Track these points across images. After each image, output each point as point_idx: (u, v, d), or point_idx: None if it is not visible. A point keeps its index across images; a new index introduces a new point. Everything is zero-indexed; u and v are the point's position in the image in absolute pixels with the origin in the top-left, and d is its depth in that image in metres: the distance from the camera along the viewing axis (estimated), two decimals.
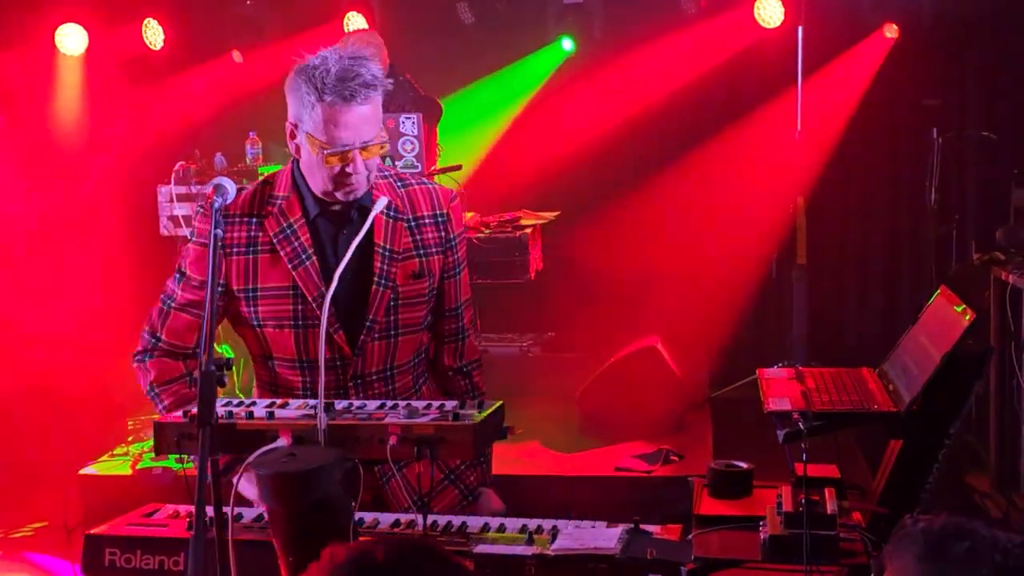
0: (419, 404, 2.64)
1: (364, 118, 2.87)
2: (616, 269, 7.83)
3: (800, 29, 7.67)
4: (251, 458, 2.41)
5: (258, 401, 2.77)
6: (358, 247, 2.87)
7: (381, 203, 2.95)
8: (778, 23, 7.54)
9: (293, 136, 2.96)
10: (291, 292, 2.97)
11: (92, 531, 2.77)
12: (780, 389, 3.11)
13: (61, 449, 6.55)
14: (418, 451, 2.48)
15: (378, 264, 3.00)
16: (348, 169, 2.89)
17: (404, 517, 2.77)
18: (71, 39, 7.88)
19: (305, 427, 2.54)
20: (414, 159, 6.04)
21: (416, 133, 6.01)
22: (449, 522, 2.75)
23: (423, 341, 3.16)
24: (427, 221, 3.09)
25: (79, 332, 7.46)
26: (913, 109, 7.61)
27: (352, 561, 1.66)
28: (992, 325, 5.96)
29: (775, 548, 2.77)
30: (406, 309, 3.06)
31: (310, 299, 2.96)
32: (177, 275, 3.06)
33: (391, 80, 2.99)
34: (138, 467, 5.97)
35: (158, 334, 3.07)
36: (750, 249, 7.89)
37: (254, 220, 3.01)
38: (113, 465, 6.05)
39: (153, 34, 7.98)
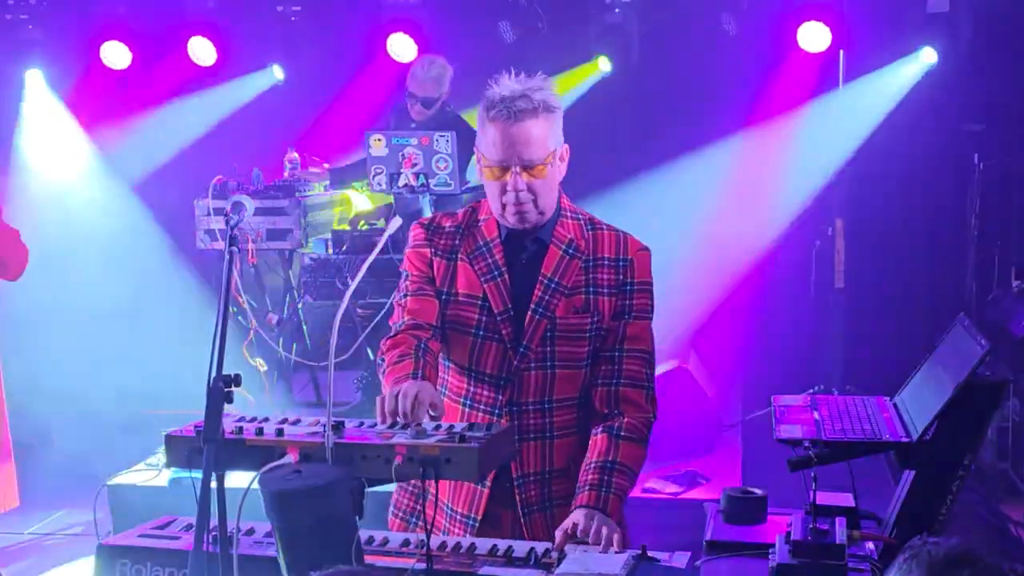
0: (428, 426, 2.66)
1: (526, 137, 2.98)
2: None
3: (842, 52, 7.64)
4: (257, 475, 2.44)
5: (269, 418, 2.80)
6: (531, 275, 3.07)
7: (393, 224, 2.97)
8: (824, 48, 7.50)
9: (479, 161, 3.11)
10: (480, 302, 3.08)
11: (105, 541, 2.80)
12: (793, 416, 3.10)
13: (99, 457, 6.67)
14: (423, 471, 2.50)
15: (538, 293, 3.07)
16: (508, 186, 2.99)
17: (413, 537, 2.78)
18: (115, 55, 8.04)
19: (313, 445, 2.56)
20: (447, 177, 6.07)
21: (450, 151, 6.04)
22: (458, 543, 2.77)
23: (588, 383, 3.15)
24: (606, 263, 3.12)
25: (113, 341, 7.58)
26: (954, 134, 7.56)
27: None
28: None
29: None
30: (565, 343, 3.08)
31: (496, 312, 3.06)
32: (404, 276, 3.21)
33: (558, 109, 3.08)
34: (171, 478, 6.01)
35: (403, 319, 3.12)
36: (788, 271, 7.86)
37: (459, 233, 3.16)
38: (146, 475, 6.09)
39: (202, 50, 8.10)
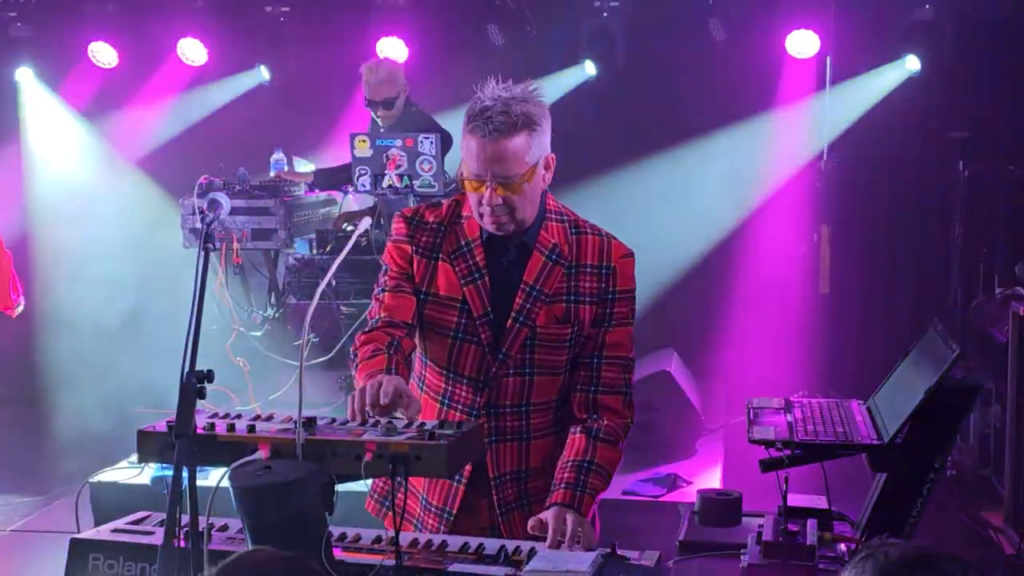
0: (399, 423, 2.67)
1: (503, 154, 2.92)
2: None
3: (829, 59, 7.68)
4: (227, 471, 2.44)
5: (242, 414, 2.80)
6: (512, 280, 3.04)
7: (365, 223, 2.97)
8: (812, 54, 7.55)
9: (464, 161, 3.08)
10: (459, 305, 3.06)
11: (77, 536, 2.80)
12: (767, 418, 3.12)
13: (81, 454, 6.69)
14: (393, 468, 2.50)
15: (519, 301, 3.04)
16: (484, 200, 2.96)
17: (386, 534, 2.78)
18: (103, 55, 8.10)
19: (284, 441, 2.57)
20: (431, 178, 6.08)
21: (434, 153, 6.06)
22: (429, 540, 2.77)
23: (566, 385, 3.14)
24: (589, 270, 3.09)
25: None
26: (939, 141, 7.59)
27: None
28: (1010, 360, 5.91)
29: None
30: (544, 351, 3.06)
31: (475, 316, 3.04)
32: (383, 269, 3.17)
33: (542, 122, 3.01)
34: (152, 476, 6.00)
35: (379, 316, 3.11)
36: (772, 277, 7.88)
37: (442, 230, 3.12)
38: (128, 473, 6.08)
39: (192, 51, 8.12)
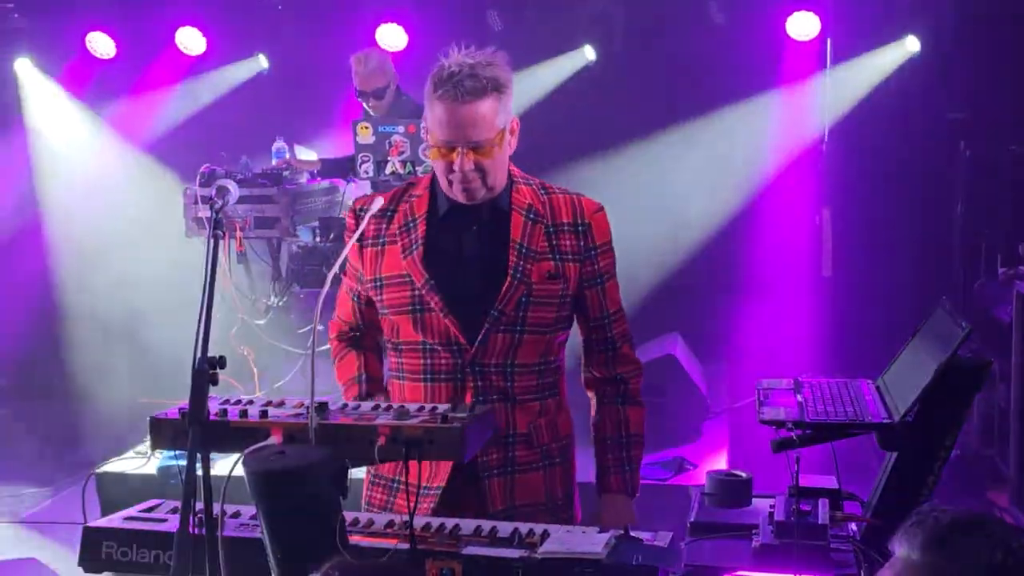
0: (412, 406, 2.67)
1: (473, 118, 2.92)
2: (638, 278, 7.84)
3: (829, 41, 7.67)
4: (241, 456, 2.44)
5: (254, 400, 2.80)
6: (493, 242, 3.05)
7: (376, 203, 2.97)
8: (812, 36, 7.54)
9: (426, 132, 3.07)
10: (407, 279, 3.08)
11: (90, 524, 2.81)
12: (776, 399, 3.12)
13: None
14: (406, 452, 2.50)
15: (514, 259, 3.05)
16: (454, 166, 2.95)
17: (398, 518, 2.78)
18: (101, 45, 8.10)
19: (297, 426, 2.57)
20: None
21: None
22: (442, 524, 2.77)
23: (551, 349, 3.16)
24: (566, 228, 3.12)
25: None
26: (940, 122, 7.59)
27: None
28: (1014, 339, 5.92)
29: (765, 557, 2.78)
30: (536, 308, 3.08)
31: (418, 285, 3.05)
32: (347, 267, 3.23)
33: (509, 86, 3.00)
34: (159, 465, 6.01)
35: (339, 316, 3.32)
36: (775, 260, 7.88)
37: (387, 214, 3.14)
38: (135, 463, 6.09)
39: (190, 40, 8.11)
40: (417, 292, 3.06)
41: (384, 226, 3.13)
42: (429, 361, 3.10)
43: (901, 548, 1.58)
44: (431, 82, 2.96)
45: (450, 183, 3.01)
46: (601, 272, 3.15)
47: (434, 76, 2.95)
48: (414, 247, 3.08)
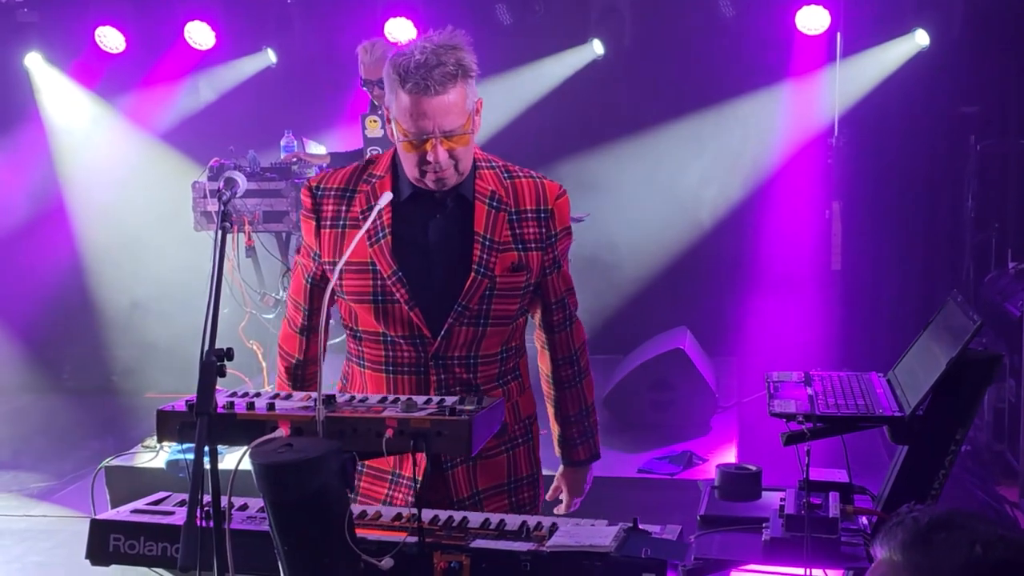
0: (419, 399, 2.66)
1: (445, 107, 2.86)
2: (647, 271, 7.84)
3: (839, 35, 7.64)
4: (248, 448, 2.43)
5: (262, 393, 2.79)
6: (457, 233, 3.00)
7: (385, 199, 2.94)
8: (822, 30, 7.52)
9: (389, 121, 3.00)
10: (371, 268, 3.02)
11: (98, 517, 2.80)
12: (787, 392, 3.11)
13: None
14: (414, 444, 2.49)
15: (477, 253, 3.01)
16: (428, 157, 2.90)
17: (405, 511, 2.78)
18: (110, 39, 8.11)
19: (304, 419, 2.56)
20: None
21: None
22: (450, 517, 2.76)
23: (513, 337, 3.16)
24: (529, 215, 3.08)
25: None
26: (950, 116, 7.56)
27: None
28: None
29: (776, 550, 2.77)
30: (500, 300, 3.05)
31: (384, 276, 3.00)
32: (298, 239, 3.22)
33: (474, 66, 2.93)
34: (167, 459, 6.02)
35: (290, 297, 3.28)
36: (784, 254, 7.87)
37: (347, 195, 3.07)
38: (143, 457, 6.10)
39: (199, 34, 8.11)
40: (381, 282, 3.01)
41: (344, 207, 3.06)
42: (391, 353, 3.07)
43: (882, 551, 1.59)
44: (396, 73, 2.88)
45: (422, 173, 2.95)
46: (559, 256, 3.16)
47: (398, 67, 2.88)
48: (381, 235, 3.01)
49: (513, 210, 3.06)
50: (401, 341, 3.04)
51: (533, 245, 3.07)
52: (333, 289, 3.03)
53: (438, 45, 2.87)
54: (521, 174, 3.13)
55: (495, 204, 3.05)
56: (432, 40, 2.89)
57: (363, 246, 3.01)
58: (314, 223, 3.09)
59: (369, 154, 6.17)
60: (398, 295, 3.00)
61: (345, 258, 2.83)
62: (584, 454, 3.34)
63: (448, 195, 3.02)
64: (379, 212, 2.98)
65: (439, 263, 3.02)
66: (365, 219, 2.99)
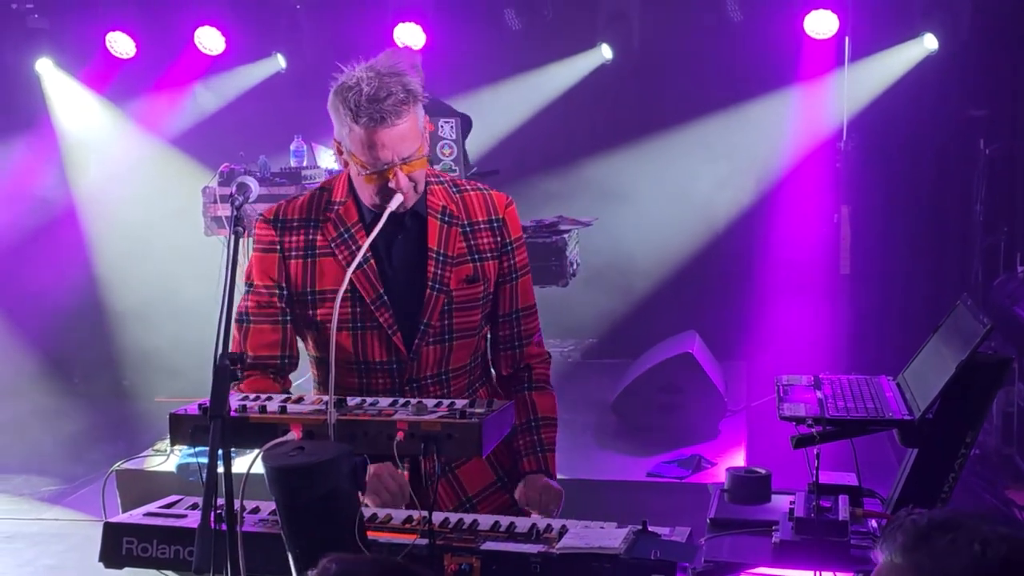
0: (430, 402, 2.67)
1: (401, 135, 2.87)
2: (655, 275, 7.85)
3: (847, 39, 7.65)
4: (260, 451, 2.45)
5: (274, 396, 2.81)
6: (414, 251, 3.01)
7: (396, 200, 2.95)
8: (831, 34, 7.52)
9: (340, 152, 2.99)
10: (349, 295, 2.97)
11: (111, 520, 2.82)
12: (796, 395, 3.11)
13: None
14: (424, 447, 2.51)
15: (432, 269, 3.01)
16: (391, 185, 2.90)
17: (416, 514, 2.79)
18: (121, 45, 8.15)
19: (315, 422, 2.58)
20: (452, 163, 6.09)
21: (454, 137, 6.07)
22: (460, 519, 2.78)
23: (479, 346, 3.17)
24: (482, 226, 3.10)
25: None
26: (959, 120, 7.57)
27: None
28: None
29: (785, 553, 2.77)
30: (460, 313, 3.06)
31: (368, 301, 2.99)
32: (246, 288, 3.08)
33: (426, 93, 2.97)
34: (178, 463, 6.03)
35: (244, 354, 2.99)
36: (793, 258, 7.87)
37: (311, 224, 3.04)
38: (154, 461, 6.12)
39: (209, 40, 8.14)
40: (362, 308, 2.99)
41: (311, 236, 3.02)
42: (365, 380, 3.04)
43: (884, 554, 1.60)
44: (346, 108, 2.86)
45: (384, 200, 2.92)
46: (516, 267, 3.15)
47: (347, 101, 2.86)
48: (363, 260, 2.97)
49: (465, 222, 3.08)
50: (377, 368, 3.03)
51: (488, 255, 3.09)
52: (305, 319, 3.04)
53: (382, 74, 2.87)
54: (468, 187, 3.15)
55: (447, 219, 3.06)
56: (375, 68, 2.89)
57: (340, 272, 2.95)
58: (278, 255, 3.03)
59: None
60: (381, 320, 3.00)
61: (345, 286, 2.80)
62: (530, 465, 3.13)
63: (405, 214, 3.01)
64: (349, 235, 2.99)
65: (404, 284, 3.02)
66: (339, 246, 3.00)
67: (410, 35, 7.88)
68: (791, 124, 7.86)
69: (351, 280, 2.92)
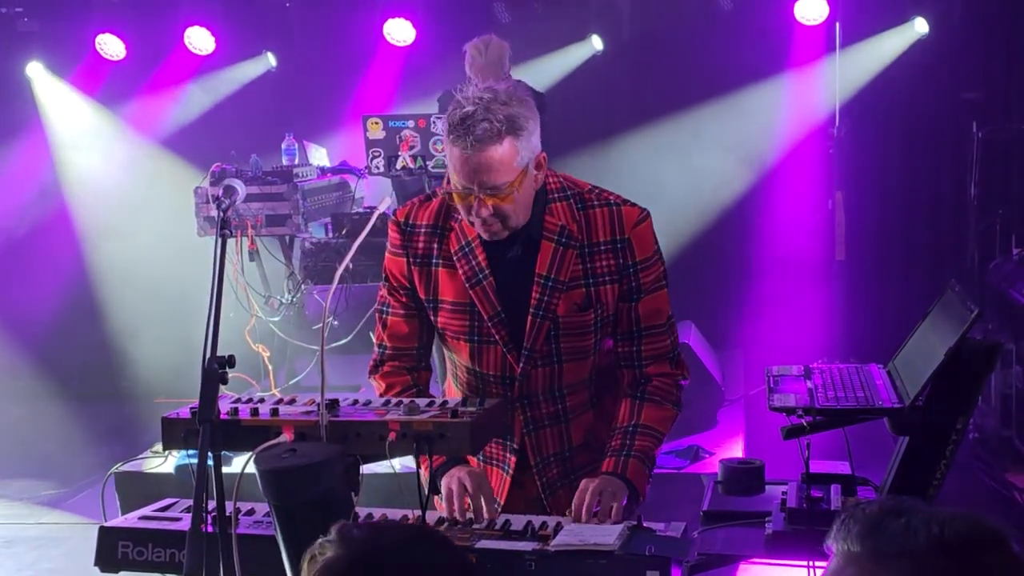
0: (422, 402, 2.68)
1: (486, 164, 2.76)
2: None
3: (838, 25, 7.64)
4: (252, 454, 2.46)
5: (265, 399, 2.82)
6: (524, 273, 2.92)
7: (384, 204, 2.96)
8: (821, 20, 7.52)
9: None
10: (468, 308, 2.97)
11: (106, 524, 2.83)
12: (786, 386, 3.11)
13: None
14: (417, 447, 2.52)
15: (536, 295, 2.92)
16: (473, 212, 2.83)
17: (411, 514, 2.80)
18: (111, 47, 8.15)
19: (307, 424, 2.59)
20: (444, 159, 6.07)
21: None
22: (456, 519, 2.79)
23: (599, 362, 3.07)
24: (603, 247, 2.95)
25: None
26: (952, 103, 7.57)
27: (362, 540, 1.71)
28: None
29: (778, 544, 2.78)
30: (569, 339, 2.97)
31: (486, 318, 2.96)
32: (383, 280, 3.09)
33: (528, 124, 2.83)
34: (176, 464, 6.03)
35: (384, 343, 3.10)
36: (788, 245, 7.88)
37: (438, 232, 3.00)
38: (152, 462, 6.12)
39: (199, 40, 8.14)
40: (480, 323, 2.96)
41: (436, 245, 2.99)
42: (481, 386, 3.05)
43: (838, 544, 1.61)
44: (446, 122, 2.81)
45: (472, 223, 2.89)
46: (641, 288, 2.98)
47: (449, 116, 2.81)
48: (483, 276, 2.94)
49: (585, 243, 2.94)
50: (491, 380, 3.02)
51: (607, 278, 2.95)
52: (430, 322, 3.04)
53: (491, 98, 2.78)
54: (597, 202, 2.98)
55: (563, 240, 2.93)
56: (493, 90, 2.82)
57: (460, 285, 2.95)
58: (405, 259, 3.02)
59: (371, 156, 6.18)
60: (497, 337, 2.96)
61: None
62: (608, 467, 2.95)
63: (518, 235, 2.92)
64: (470, 250, 2.94)
65: (513, 305, 2.95)
66: (459, 259, 2.96)
67: (400, 30, 7.89)
68: (783, 111, 7.86)
69: (471, 295, 2.93)
